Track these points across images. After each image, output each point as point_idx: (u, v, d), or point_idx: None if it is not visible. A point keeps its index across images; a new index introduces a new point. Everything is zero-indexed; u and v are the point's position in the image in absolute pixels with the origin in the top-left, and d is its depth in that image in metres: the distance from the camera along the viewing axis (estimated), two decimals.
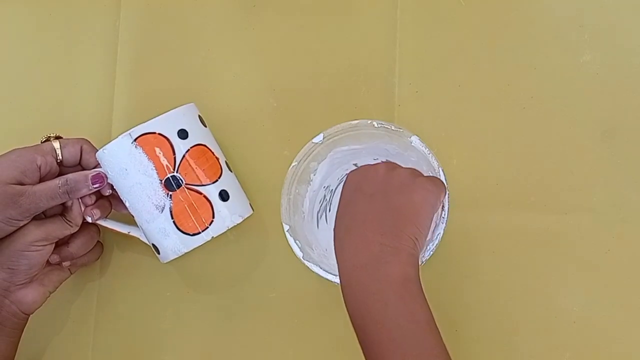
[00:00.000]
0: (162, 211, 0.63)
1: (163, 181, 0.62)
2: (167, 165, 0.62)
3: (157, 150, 0.62)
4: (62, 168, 0.65)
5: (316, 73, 0.70)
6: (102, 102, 0.72)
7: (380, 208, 0.54)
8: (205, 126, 0.66)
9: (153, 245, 0.65)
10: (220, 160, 0.65)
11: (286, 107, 0.70)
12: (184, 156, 0.63)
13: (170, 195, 0.62)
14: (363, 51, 0.70)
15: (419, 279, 0.53)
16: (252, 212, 0.66)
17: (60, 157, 0.64)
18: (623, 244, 0.65)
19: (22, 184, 0.61)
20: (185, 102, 0.71)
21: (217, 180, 0.64)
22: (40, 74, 0.74)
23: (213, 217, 0.63)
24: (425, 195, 0.55)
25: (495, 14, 0.69)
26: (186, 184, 0.63)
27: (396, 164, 0.58)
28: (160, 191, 0.62)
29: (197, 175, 0.63)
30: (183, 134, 0.63)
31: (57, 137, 0.66)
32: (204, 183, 0.63)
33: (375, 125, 0.61)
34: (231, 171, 0.66)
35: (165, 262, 0.64)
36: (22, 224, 0.61)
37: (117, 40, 0.73)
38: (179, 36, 0.73)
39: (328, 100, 0.69)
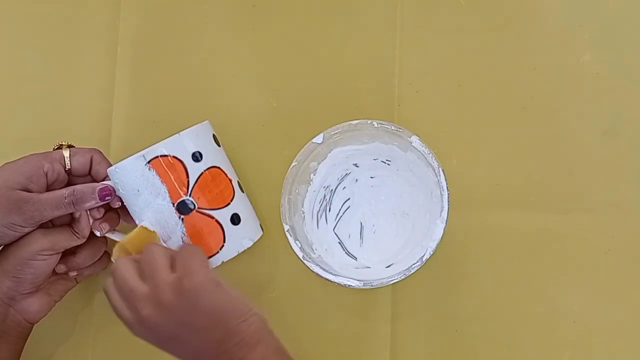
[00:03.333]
0: (173, 234, 0.62)
1: (175, 205, 0.61)
2: (180, 189, 0.61)
3: (171, 173, 0.61)
4: (72, 178, 0.64)
5: (316, 73, 0.70)
6: (101, 102, 0.72)
7: (192, 335, 0.55)
8: (220, 145, 0.65)
9: None
10: (232, 182, 0.64)
11: (286, 107, 0.70)
12: (197, 180, 0.62)
13: (182, 219, 0.61)
14: (363, 51, 0.70)
15: (269, 335, 0.57)
16: (262, 233, 0.66)
17: (69, 166, 0.63)
18: (623, 244, 0.65)
19: (28, 190, 0.60)
20: (185, 104, 0.71)
21: (229, 204, 0.63)
22: (40, 74, 0.74)
23: (224, 241, 0.63)
24: (197, 289, 0.55)
25: (495, 14, 0.69)
26: (198, 207, 0.62)
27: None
28: (173, 215, 0.61)
29: (209, 199, 0.62)
30: (197, 157, 0.62)
31: (70, 146, 0.65)
32: (216, 207, 0.62)
33: (375, 125, 0.61)
34: (243, 192, 0.66)
35: None
36: (26, 230, 0.61)
37: (117, 40, 0.73)
38: (179, 36, 0.73)
39: (328, 100, 0.69)
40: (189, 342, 0.55)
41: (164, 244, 0.62)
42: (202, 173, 0.62)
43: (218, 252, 0.63)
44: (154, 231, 0.61)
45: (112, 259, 0.62)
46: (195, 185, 0.62)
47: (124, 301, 0.57)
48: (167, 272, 0.56)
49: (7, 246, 0.62)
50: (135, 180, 0.61)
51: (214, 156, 0.64)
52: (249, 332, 0.55)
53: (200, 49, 0.72)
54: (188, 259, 0.56)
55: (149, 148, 0.61)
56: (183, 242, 0.62)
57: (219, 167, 0.64)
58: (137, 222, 0.63)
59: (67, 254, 0.64)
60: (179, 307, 0.55)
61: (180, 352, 0.56)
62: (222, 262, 0.63)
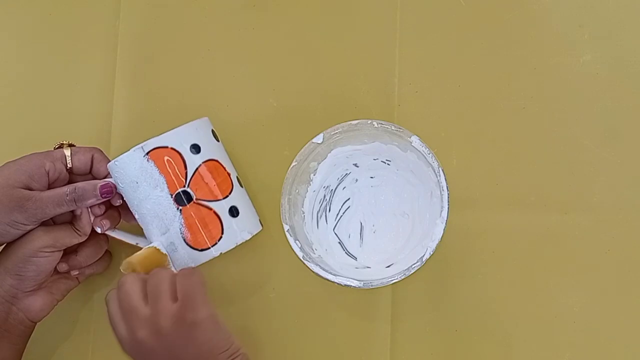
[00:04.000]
0: (171, 226, 0.62)
1: (174, 196, 0.62)
2: (178, 180, 0.62)
3: (169, 164, 0.61)
4: (73, 176, 0.65)
5: (316, 73, 0.70)
6: (101, 102, 0.72)
7: None
8: (218, 140, 0.65)
9: None
10: (231, 176, 0.65)
11: (286, 107, 0.70)
12: (195, 171, 0.62)
13: (180, 209, 0.62)
14: (363, 51, 0.70)
15: None
16: (261, 228, 0.66)
17: (70, 165, 0.64)
18: (623, 244, 0.65)
19: (30, 188, 0.61)
20: (185, 103, 0.71)
21: (227, 196, 0.63)
22: (40, 74, 0.74)
23: (222, 233, 0.63)
24: (196, 323, 0.56)
25: (495, 14, 0.69)
26: (197, 199, 0.62)
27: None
28: (171, 206, 0.62)
29: (208, 191, 0.62)
30: (196, 149, 0.62)
31: (70, 145, 0.66)
32: (214, 199, 0.63)
33: (375, 125, 0.61)
34: (242, 187, 0.66)
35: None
36: (28, 228, 0.61)
37: (117, 40, 0.73)
38: (178, 36, 0.73)
39: (328, 100, 0.69)
40: None
41: (173, 268, 0.63)
42: (200, 165, 0.62)
43: (216, 243, 0.63)
44: (165, 254, 0.62)
45: (122, 269, 0.62)
46: (194, 176, 0.62)
47: (122, 317, 0.57)
48: (170, 300, 0.56)
49: (9, 244, 0.62)
50: (133, 172, 0.61)
51: (212, 149, 0.64)
52: None
53: (200, 48, 0.72)
54: (191, 290, 0.57)
55: (147, 140, 0.62)
56: (181, 233, 0.62)
57: (217, 161, 0.64)
58: (136, 216, 0.63)
59: (69, 252, 0.65)
60: (174, 337, 0.56)
61: None
62: (220, 253, 0.63)
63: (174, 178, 0.62)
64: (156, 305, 0.56)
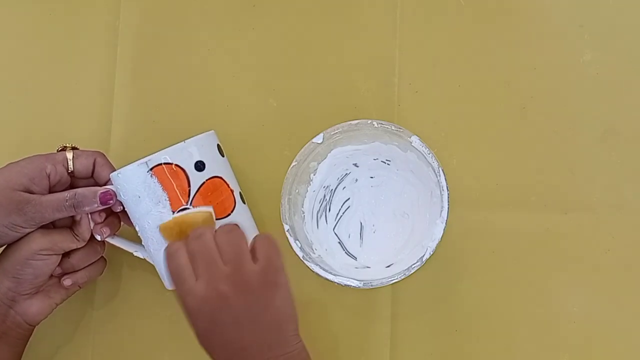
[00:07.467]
0: None
1: (176, 213, 0.61)
2: (181, 197, 0.61)
3: (173, 181, 0.61)
4: (75, 180, 0.64)
5: (316, 73, 0.70)
6: (101, 102, 0.72)
7: (252, 327, 0.54)
8: (223, 155, 0.65)
9: (159, 271, 0.64)
10: (234, 193, 0.64)
11: (286, 107, 0.70)
12: (199, 189, 0.62)
13: None
14: (363, 51, 0.70)
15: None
16: None
17: (72, 168, 0.63)
18: (623, 244, 0.65)
19: (30, 191, 0.60)
20: (185, 104, 0.71)
21: (229, 214, 0.63)
22: (40, 74, 0.74)
23: None
24: (278, 287, 0.55)
25: (495, 14, 0.69)
26: None
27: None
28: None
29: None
30: (200, 166, 0.62)
31: (73, 148, 0.65)
32: (216, 217, 0.62)
33: (375, 125, 0.61)
34: (244, 203, 0.65)
35: (169, 289, 0.63)
36: (26, 231, 0.61)
37: (117, 40, 0.73)
38: (178, 36, 0.73)
39: (328, 100, 0.69)
40: (243, 332, 0.54)
41: None
42: (203, 182, 0.62)
43: None
44: (215, 222, 0.61)
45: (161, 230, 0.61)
46: (197, 194, 0.61)
47: (199, 269, 0.55)
48: (251, 261, 0.55)
49: (7, 246, 0.62)
50: (136, 187, 0.61)
51: (217, 166, 0.63)
52: (297, 348, 0.56)
53: (200, 49, 0.72)
54: (272, 254, 0.56)
55: (152, 155, 0.61)
56: None
57: (221, 178, 0.63)
58: (136, 228, 0.63)
59: (63, 256, 0.64)
60: (258, 295, 0.54)
61: (222, 343, 0.55)
62: None
63: (177, 195, 0.61)
64: (237, 263, 0.55)
